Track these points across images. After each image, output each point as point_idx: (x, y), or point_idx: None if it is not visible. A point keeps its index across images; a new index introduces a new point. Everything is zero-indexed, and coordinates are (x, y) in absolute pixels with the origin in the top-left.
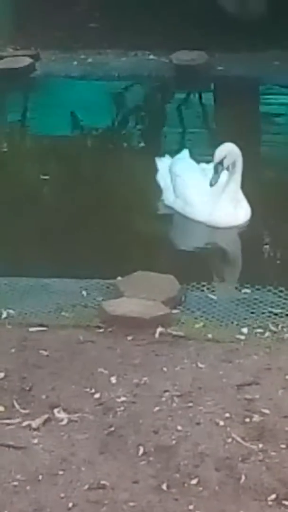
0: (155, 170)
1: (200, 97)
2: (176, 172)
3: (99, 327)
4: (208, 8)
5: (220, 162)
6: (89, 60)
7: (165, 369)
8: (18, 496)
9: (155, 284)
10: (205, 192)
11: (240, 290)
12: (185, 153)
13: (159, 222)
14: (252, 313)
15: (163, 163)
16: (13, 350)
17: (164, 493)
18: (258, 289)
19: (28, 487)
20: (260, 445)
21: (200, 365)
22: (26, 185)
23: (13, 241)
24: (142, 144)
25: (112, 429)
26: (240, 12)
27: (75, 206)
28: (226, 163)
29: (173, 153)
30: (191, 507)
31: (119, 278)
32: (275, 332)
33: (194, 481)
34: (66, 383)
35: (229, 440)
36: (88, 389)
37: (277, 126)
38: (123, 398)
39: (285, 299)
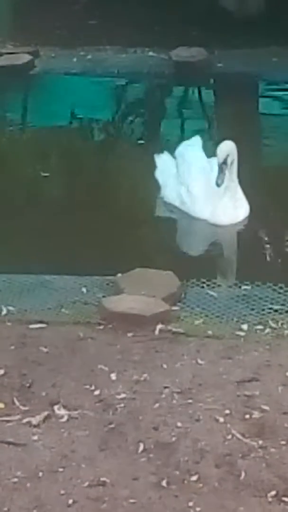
0: (154, 166)
1: (200, 94)
2: (186, 158)
3: (99, 324)
4: (208, 5)
5: (224, 161)
6: (89, 56)
7: (165, 365)
8: (18, 492)
9: (155, 281)
10: (208, 189)
11: (240, 287)
12: (197, 140)
13: (158, 218)
14: (252, 309)
15: (161, 160)
16: (13, 347)
17: (164, 489)
18: (258, 286)
19: (28, 484)
20: (260, 442)
21: (200, 361)
22: (26, 182)
23: (13, 238)
24: (141, 141)
25: (112, 426)
26: (239, 9)
27: (75, 203)
28: (229, 161)
29: (172, 150)
30: (191, 503)
31: (119, 275)
32: (275, 329)
33: (194, 478)
34: (66, 380)
35: (229, 436)
36: (88, 386)
37: (276, 122)
38: (123, 395)
39: (285, 295)
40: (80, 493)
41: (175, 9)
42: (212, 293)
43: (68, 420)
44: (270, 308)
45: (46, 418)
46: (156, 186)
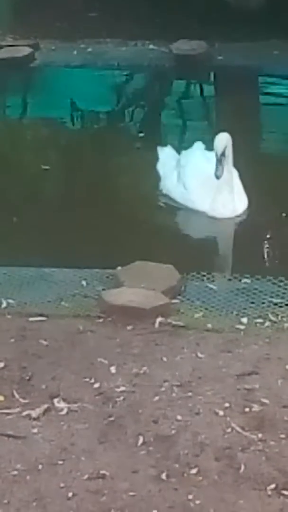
0: (154, 159)
1: (200, 87)
2: (182, 163)
3: (99, 317)
4: None
5: (223, 153)
6: (89, 49)
7: (164, 359)
8: (18, 485)
9: (155, 274)
10: (206, 182)
11: (239, 280)
12: (197, 145)
13: (158, 211)
14: (251, 303)
15: (164, 153)
16: (12, 340)
17: (164, 482)
18: (257, 279)
19: (28, 477)
20: (260, 435)
21: (199, 355)
22: (27, 175)
23: (13, 231)
24: (141, 134)
25: (112, 418)
26: (239, 2)
27: (75, 196)
28: (227, 153)
29: (174, 142)
30: (190, 496)
31: (119, 268)
32: (274, 322)
33: (193, 471)
34: (65, 373)
35: (229, 429)
36: (87, 379)
37: (277, 115)
38: (122, 388)
39: (285, 289)
40: (79, 486)
41: (175, 2)
42: (212, 286)
43: (67, 413)
44: (270, 302)
45: (46, 411)
46: (157, 179)
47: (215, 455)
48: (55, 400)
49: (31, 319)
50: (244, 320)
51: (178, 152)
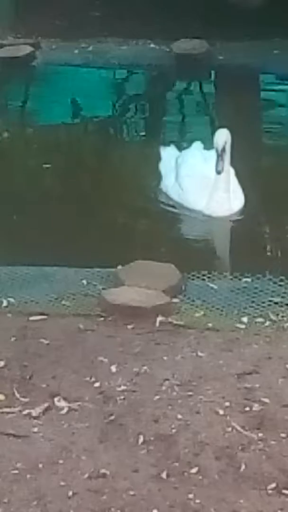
0: (155, 158)
1: (201, 86)
2: (178, 162)
3: (100, 316)
4: None
5: (223, 149)
6: (90, 48)
7: (165, 358)
8: (18, 484)
9: (156, 273)
10: (200, 182)
11: (240, 279)
12: (196, 145)
13: (159, 211)
14: (252, 302)
15: (166, 152)
16: (13, 339)
17: (164, 481)
18: (258, 278)
19: (28, 476)
20: (260, 434)
21: (200, 354)
22: (28, 174)
23: (14, 230)
24: (142, 133)
25: (112, 418)
26: (241, 1)
27: (76, 195)
28: (227, 148)
29: (175, 142)
30: (190, 495)
31: (119, 267)
32: (275, 321)
33: (194, 470)
34: (66, 372)
35: (229, 429)
36: (88, 378)
37: (277, 114)
38: (123, 387)
39: (286, 288)
40: (80, 485)
41: (176, 1)
42: (212, 285)
43: (68, 412)
44: (271, 301)
45: (46, 410)
46: (158, 178)
47: (216, 454)
48: (56, 399)
49: (31, 318)
50: (245, 319)
51: (180, 152)
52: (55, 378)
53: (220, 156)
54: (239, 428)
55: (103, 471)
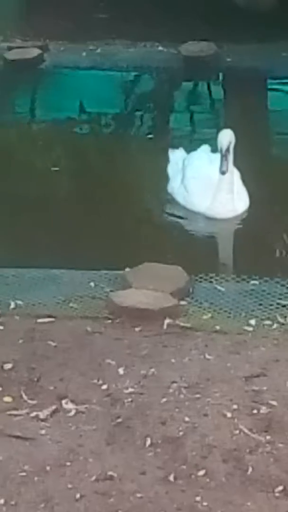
0: (163, 161)
1: (209, 88)
2: (185, 164)
3: (107, 318)
4: None
5: (227, 149)
6: (98, 51)
7: (173, 360)
8: (26, 486)
9: (163, 275)
10: (205, 184)
11: (248, 282)
12: (203, 147)
13: (166, 213)
14: (260, 304)
15: (175, 155)
16: (21, 341)
17: (171, 484)
18: (266, 281)
19: (35, 478)
20: (268, 437)
21: (208, 356)
22: (36, 176)
23: (22, 232)
24: (150, 135)
25: (120, 420)
26: (249, 3)
27: (84, 197)
28: (231, 149)
29: (183, 144)
30: (198, 498)
31: (127, 269)
32: (283, 324)
33: (201, 473)
34: (74, 374)
35: (237, 431)
36: (96, 380)
37: (285, 117)
38: (130, 389)
39: None
40: (87, 487)
41: (184, 3)
42: (220, 288)
43: (75, 414)
44: (278, 304)
45: (54, 412)
46: (166, 181)
47: (223, 457)
48: (63, 402)
49: (39, 320)
50: (252, 321)
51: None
52: (62, 380)
53: (224, 156)
54: (246, 431)
55: (110, 473)
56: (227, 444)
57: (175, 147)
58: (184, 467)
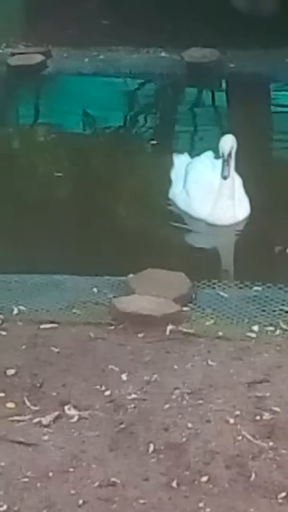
0: (166, 167)
1: (212, 94)
2: (187, 170)
3: (110, 324)
4: (220, 5)
5: (229, 154)
6: (101, 57)
7: (175, 366)
8: (28, 492)
9: (166, 281)
10: (207, 190)
11: (251, 288)
12: (207, 154)
13: (169, 219)
14: (263, 310)
15: (178, 160)
16: (24, 347)
17: (174, 490)
18: (269, 287)
19: (38, 484)
20: (271, 443)
21: (210, 362)
22: (40, 182)
23: (25, 237)
24: (154, 142)
25: (123, 426)
26: (252, 9)
27: (87, 203)
28: (233, 153)
29: (186, 150)
30: (201, 504)
31: (130, 275)
32: (286, 330)
33: (204, 479)
34: (76, 380)
35: (240, 437)
36: (98, 386)
37: None
38: (133, 395)
39: None
40: (90, 493)
41: (187, 9)
42: (223, 294)
43: (78, 420)
44: (281, 310)
45: (57, 418)
46: (169, 186)
47: (226, 463)
48: (66, 407)
49: (42, 326)
50: (255, 328)
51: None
52: (65, 386)
53: (226, 161)
54: (249, 437)
55: (113, 479)
56: (230, 450)
57: (180, 152)
58: (187, 473)
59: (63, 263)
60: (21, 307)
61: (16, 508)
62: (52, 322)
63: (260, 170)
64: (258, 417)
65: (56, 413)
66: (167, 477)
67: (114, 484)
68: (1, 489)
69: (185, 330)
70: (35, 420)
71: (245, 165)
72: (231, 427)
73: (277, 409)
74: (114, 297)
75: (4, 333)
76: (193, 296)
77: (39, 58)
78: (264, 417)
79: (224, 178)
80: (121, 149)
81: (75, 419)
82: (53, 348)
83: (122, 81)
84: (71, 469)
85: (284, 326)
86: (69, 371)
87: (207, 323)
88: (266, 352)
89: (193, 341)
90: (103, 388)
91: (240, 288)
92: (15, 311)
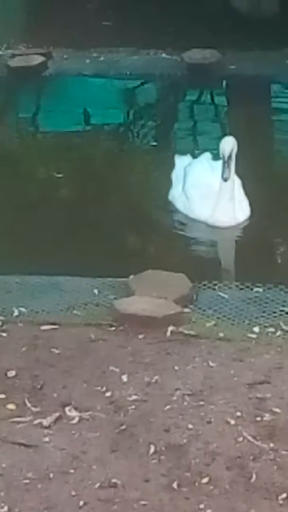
0: (167, 168)
1: (212, 96)
2: (186, 172)
3: (111, 326)
4: (221, 6)
5: (229, 156)
6: (101, 58)
7: (176, 367)
8: (29, 494)
9: (167, 282)
10: (206, 192)
11: (251, 289)
12: (205, 155)
13: (170, 221)
14: (263, 312)
15: (180, 162)
16: (24, 348)
17: (175, 491)
18: (269, 288)
19: (39, 485)
20: (271, 444)
21: (211, 363)
22: (40, 183)
23: (26, 239)
24: (154, 143)
25: (123, 427)
26: (252, 11)
27: (88, 204)
28: (233, 155)
29: (188, 152)
30: (202, 505)
31: (131, 276)
32: (286, 331)
33: (205, 480)
34: (77, 382)
35: (240, 439)
36: (99, 388)
37: None
38: (134, 397)
39: None
40: (91, 495)
41: (188, 11)
42: (223, 295)
43: (79, 421)
44: (282, 311)
45: (57, 419)
46: (169, 188)
47: (227, 464)
48: (67, 409)
49: (43, 327)
50: (256, 329)
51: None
52: (66, 387)
53: (226, 163)
54: (250, 438)
55: (114, 480)
56: (231, 451)
57: (182, 153)
58: (188, 474)
59: (64, 265)
60: (22, 309)
61: (17, 510)
62: (52, 323)
63: (260, 171)
64: (258, 418)
65: (57, 415)
66: (168, 478)
67: (114, 485)
68: (2, 490)
69: (185, 331)
70: (36, 422)
71: (245, 166)
72: (232, 428)
73: (277, 410)
74: (114, 298)
75: (4, 334)
76: (194, 297)
77: (39, 59)
78: (265, 418)
79: (225, 180)
80: (121, 150)
81: (76, 420)
82: (53, 350)
83: (122, 82)
84: (72, 470)
85: (284, 327)
86: (70, 373)
87: (208, 324)
88: (267, 353)
89: (194, 342)
90: (104, 389)
91: (241, 289)
92: (16, 312)
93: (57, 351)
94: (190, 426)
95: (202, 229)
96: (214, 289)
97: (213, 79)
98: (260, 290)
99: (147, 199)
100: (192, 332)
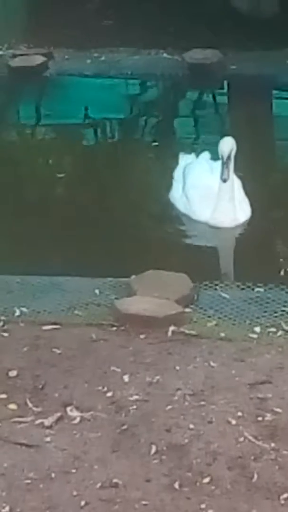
0: (168, 168)
1: (213, 96)
2: (185, 172)
3: (112, 326)
4: (222, 6)
5: (228, 157)
6: (102, 58)
7: (177, 367)
8: (30, 494)
9: (168, 282)
10: (206, 193)
11: (253, 289)
12: (203, 155)
13: (171, 221)
14: (264, 312)
15: (184, 160)
16: (26, 348)
17: (177, 491)
18: (271, 288)
19: (40, 485)
20: (273, 444)
21: (212, 363)
22: (42, 183)
23: (27, 239)
24: (155, 143)
25: (125, 427)
26: (253, 11)
27: (89, 204)
28: (232, 156)
29: (189, 151)
30: (203, 505)
31: (132, 276)
32: (287, 331)
33: (206, 480)
34: (78, 382)
35: (242, 439)
36: (100, 388)
37: None
38: (135, 397)
39: None
40: (92, 495)
41: (189, 11)
42: (225, 295)
43: (80, 421)
44: (283, 311)
45: (59, 419)
46: (170, 188)
47: (228, 464)
48: (68, 409)
49: (44, 327)
50: (257, 329)
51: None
52: (67, 387)
53: (225, 164)
54: (251, 438)
55: (115, 480)
56: (232, 451)
57: (187, 152)
58: (189, 474)
59: (65, 265)
60: (23, 309)
61: (18, 510)
62: (54, 323)
63: (261, 172)
64: (260, 418)
65: (58, 415)
66: (169, 478)
67: (116, 485)
68: (3, 490)
69: (187, 331)
70: (37, 422)
71: (246, 167)
72: (233, 428)
73: (279, 410)
74: (116, 298)
75: (6, 334)
76: (195, 297)
77: (40, 59)
78: (266, 418)
79: (224, 181)
80: (122, 150)
81: (77, 420)
82: (55, 350)
83: (123, 83)
84: (73, 470)
85: (286, 327)
86: (71, 373)
87: (209, 324)
88: (268, 353)
89: (195, 342)
90: (105, 389)
91: (242, 289)
92: (17, 312)
93: (58, 351)
94: (191, 426)
95: (203, 230)
96: (215, 289)
97: (214, 79)
98: (261, 290)
99: (148, 199)
100: (193, 332)
